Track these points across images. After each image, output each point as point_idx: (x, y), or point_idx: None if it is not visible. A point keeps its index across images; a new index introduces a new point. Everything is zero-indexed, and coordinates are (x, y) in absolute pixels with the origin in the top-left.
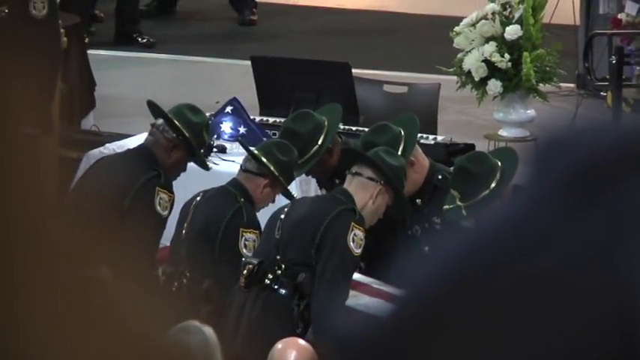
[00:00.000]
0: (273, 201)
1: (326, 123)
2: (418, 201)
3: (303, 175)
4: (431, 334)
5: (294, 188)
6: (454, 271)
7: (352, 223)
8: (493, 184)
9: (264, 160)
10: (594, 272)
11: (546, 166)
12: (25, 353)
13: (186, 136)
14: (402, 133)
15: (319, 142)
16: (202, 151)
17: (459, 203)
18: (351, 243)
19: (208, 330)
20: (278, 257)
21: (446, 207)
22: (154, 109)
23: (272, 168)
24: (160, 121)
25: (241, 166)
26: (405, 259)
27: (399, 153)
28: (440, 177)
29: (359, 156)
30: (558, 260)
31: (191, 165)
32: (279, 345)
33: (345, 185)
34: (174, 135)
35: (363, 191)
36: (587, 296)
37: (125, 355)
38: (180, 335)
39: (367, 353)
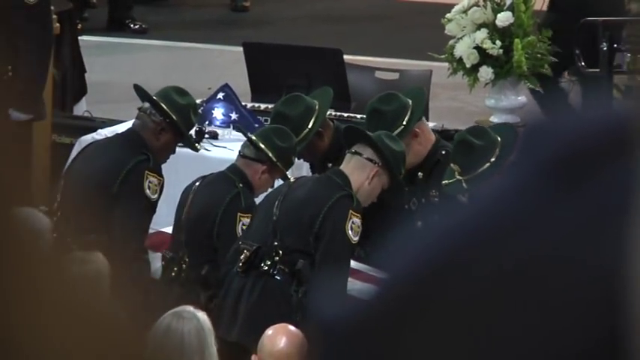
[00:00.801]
0: (272, 186)
1: (317, 106)
2: (420, 174)
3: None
4: (414, 318)
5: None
6: (439, 253)
7: (350, 211)
8: (493, 159)
9: (263, 146)
10: (580, 257)
11: (532, 150)
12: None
13: (174, 118)
14: (410, 103)
15: (309, 126)
16: (192, 133)
17: (458, 177)
18: (350, 231)
19: (202, 315)
20: (276, 243)
21: (445, 181)
22: (141, 92)
23: (270, 154)
24: (147, 104)
25: (239, 152)
26: (394, 238)
27: (404, 123)
28: (444, 152)
29: (361, 135)
30: (543, 244)
31: (183, 150)
32: (269, 331)
33: (343, 165)
34: (162, 118)
35: (360, 171)
36: (572, 281)
37: (118, 344)
38: (174, 321)
39: (351, 337)
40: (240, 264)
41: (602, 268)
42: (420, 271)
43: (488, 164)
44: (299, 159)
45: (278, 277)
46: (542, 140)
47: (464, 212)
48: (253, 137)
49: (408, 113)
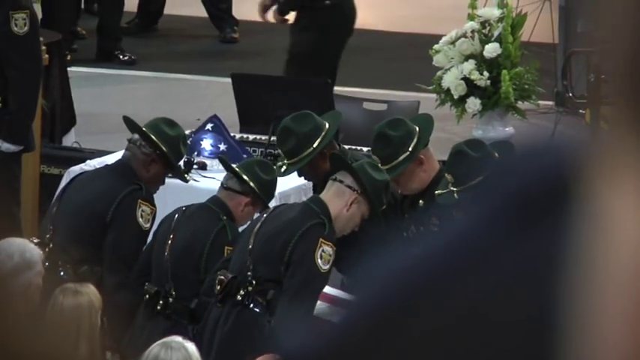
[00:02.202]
0: (253, 218)
1: (326, 126)
2: (421, 202)
3: (283, 189)
4: (376, 352)
5: (273, 203)
6: (401, 287)
7: (320, 240)
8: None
9: (246, 177)
10: (522, 298)
11: (493, 190)
12: None
13: (164, 150)
14: (417, 130)
15: (314, 145)
16: (180, 164)
17: (451, 188)
18: (319, 260)
19: (191, 346)
20: (249, 273)
21: (438, 192)
22: (130, 124)
23: (253, 186)
24: (137, 135)
25: (222, 184)
26: (369, 263)
27: (410, 149)
28: None
29: (342, 163)
30: (494, 283)
31: (171, 181)
32: None
33: (324, 192)
34: (152, 149)
35: (339, 198)
36: (513, 322)
37: None
38: (162, 351)
39: None
40: (217, 293)
41: (538, 310)
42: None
43: (482, 178)
44: (300, 176)
45: (254, 307)
46: (504, 179)
47: (428, 247)
48: (237, 169)
49: (415, 140)
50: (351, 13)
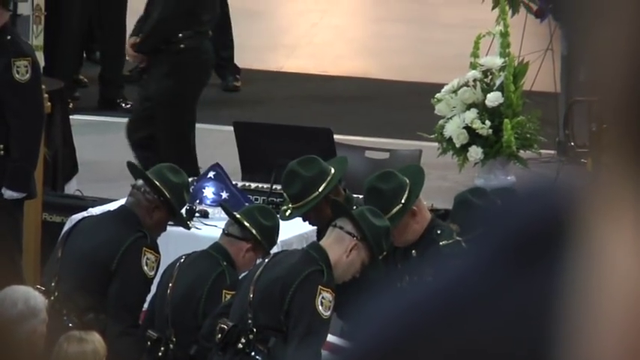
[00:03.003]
0: (254, 265)
1: (332, 171)
2: (413, 252)
3: (285, 237)
4: None
5: (275, 250)
6: (398, 331)
7: (319, 287)
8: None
9: (247, 224)
10: (518, 341)
11: (491, 233)
12: None
13: (167, 196)
14: (408, 182)
15: (320, 189)
16: (183, 212)
17: (457, 238)
18: (320, 307)
19: None
20: (249, 321)
21: (443, 242)
22: (134, 170)
23: (254, 232)
24: (140, 182)
25: (224, 230)
26: (364, 309)
27: (403, 201)
28: (439, 232)
29: (342, 210)
30: (491, 327)
31: (174, 229)
32: None
33: (324, 238)
34: (156, 196)
35: (339, 244)
36: (518, 353)
37: None
38: None
39: None
40: (219, 341)
41: (536, 348)
42: (381, 346)
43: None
44: (304, 221)
45: (255, 355)
46: (502, 222)
47: (424, 291)
48: (238, 215)
49: (406, 192)
50: (207, 57)
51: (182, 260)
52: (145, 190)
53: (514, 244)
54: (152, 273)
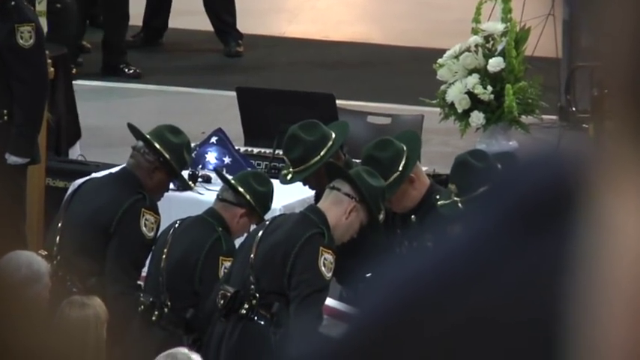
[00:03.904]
0: (249, 230)
1: (333, 136)
2: (413, 218)
3: (288, 202)
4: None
5: (276, 214)
6: (404, 298)
7: (321, 248)
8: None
9: (241, 190)
10: (527, 307)
11: (496, 200)
12: None
13: (167, 157)
14: (405, 149)
15: (321, 153)
16: (186, 174)
17: (454, 198)
18: (322, 268)
19: (196, 357)
20: (252, 287)
21: (441, 202)
22: (135, 131)
23: (249, 198)
24: (140, 143)
25: (218, 196)
26: (370, 276)
27: (400, 169)
28: (438, 197)
29: (338, 171)
30: (499, 292)
31: (176, 194)
32: None
33: (322, 200)
34: (155, 157)
35: (337, 206)
36: (519, 328)
37: None
38: None
39: None
40: (221, 308)
41: (543, 314)
42: (387, 314)
43: (485, 188)
44: (304, 185)
45: (258, 320)
46: (507, 188)
47: (432, 257)
48: (232, 181)
49: (404, 159)
50: None
51: (177, 225)
52: (145, 152)
53: (519, 211)
54: (151, 234)
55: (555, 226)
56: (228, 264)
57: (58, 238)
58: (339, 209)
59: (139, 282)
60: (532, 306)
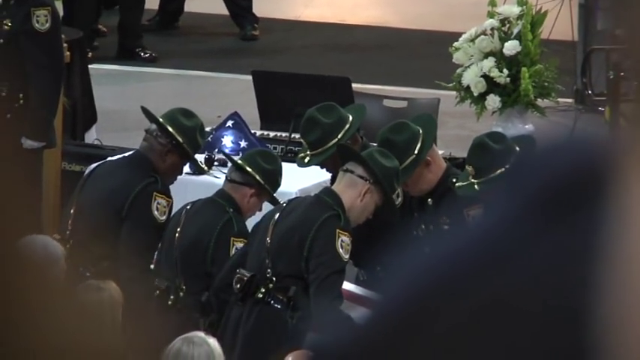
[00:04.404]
0: (260, 209)
1: (350, 119)
2: (429, 201)
3: (304, 185)
4: (404, 346)
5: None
6: (428, 283)
7: (338, 230)
8: (508, 165)
9: (249, 169)
10: (555, 291)
11: (520, 183)
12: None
13: (180, 140)
14: (421, 132)
15: (339, 136)
16: (201, 160)
17: (471, 180)
18: (340, 249)
19: (213, 341)
20: (269, 270)
21: (458, 184)
22: (148, 115)
23: (257, 177)
24: (154, 126)
25: (227, 177)
26: (393, 263)
27: (416, 152)
28: (454, 180)
29: (351, 153)
30: (525, 277)
31: (192, 177)
32: (289, 358)
33: (336, 183)
34: (168, 139)
35: (352, 189)
36: (546, 314)
37: None
38: (185, 346)
39: None
40: (238, 292)
41: (569, 301)
42: (410, 300)
43: (502, 170)
44: (322, 168)
45: (275, 304)
46: (530, 173)
47: (454, 243)
48: (239, 161)
49: (419, 142)
50: None
51: (188, 207)
52: (158, 135)
53: (543, 196)
54: (163, 218)
55: (582, 211)
56: (239, 245)
57: (70, 222)
58: (354, 192)
59: (151, 265)
60: (556, 291)
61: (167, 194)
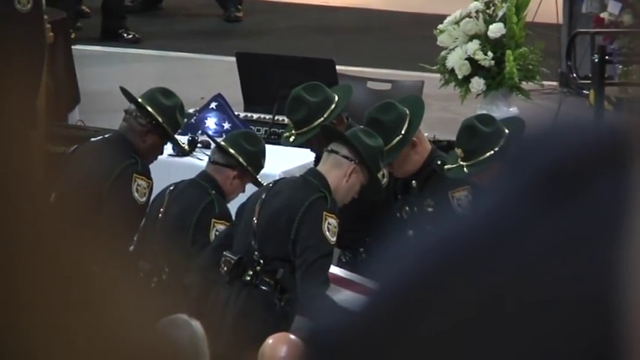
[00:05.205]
0: (243, 191)
1: (336, 99)
2: (414, 183)
3: (287, 167)
4: (400, 334)
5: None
6: (427, 267)
7: (324, 213)
8: (497, 148)
9: (232, 151)
10: (569, 271)
11: (521, 164)
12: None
13: (159, 120)
14: (408, 112)
15: (324, 115)
16: (185, 142)
17: (460, 162)
18: (327, 232)
19: (196, 324)
20: (256, 253)
21: (447, 166)
22: (127, 95)
23: (240, 159)
24: (133, 106)
25: (209, 158)
26: (384, 247)
27: (403, 132)
28: (439, 162)
29: (335, 134)
30: (533, 258)
31: (175, 159)
32: (270, 340)
33: (321, 164)
34: (147, 120)
35: (337, 169)
36: (562, 291)
37: (116, 350)
38: (168, 328)
39: (335, 351)
40: (225, 274)
41: (593, 280)
42: (408, 285)
43: (491, 152)
44: (307, 148)
45: (262, 287)
46: (534, 152)
47: (456, 225)
48: (222, 143)
49: (406, 123)
50: None
51: (171, 189)
52: (137, 115)
53: (549, 177)
54: (143, 199)
55: (599, 185)
56: (220, 227)
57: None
58: (339, 172)
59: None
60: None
61: (147, 175)
